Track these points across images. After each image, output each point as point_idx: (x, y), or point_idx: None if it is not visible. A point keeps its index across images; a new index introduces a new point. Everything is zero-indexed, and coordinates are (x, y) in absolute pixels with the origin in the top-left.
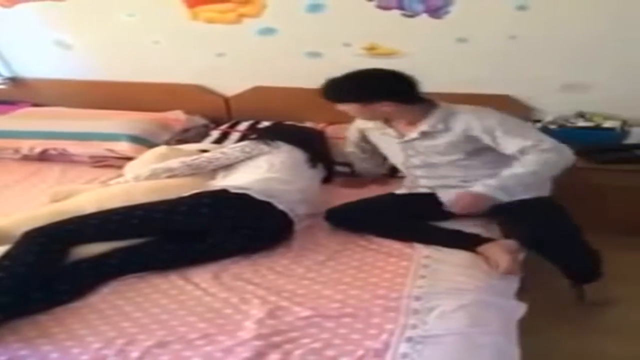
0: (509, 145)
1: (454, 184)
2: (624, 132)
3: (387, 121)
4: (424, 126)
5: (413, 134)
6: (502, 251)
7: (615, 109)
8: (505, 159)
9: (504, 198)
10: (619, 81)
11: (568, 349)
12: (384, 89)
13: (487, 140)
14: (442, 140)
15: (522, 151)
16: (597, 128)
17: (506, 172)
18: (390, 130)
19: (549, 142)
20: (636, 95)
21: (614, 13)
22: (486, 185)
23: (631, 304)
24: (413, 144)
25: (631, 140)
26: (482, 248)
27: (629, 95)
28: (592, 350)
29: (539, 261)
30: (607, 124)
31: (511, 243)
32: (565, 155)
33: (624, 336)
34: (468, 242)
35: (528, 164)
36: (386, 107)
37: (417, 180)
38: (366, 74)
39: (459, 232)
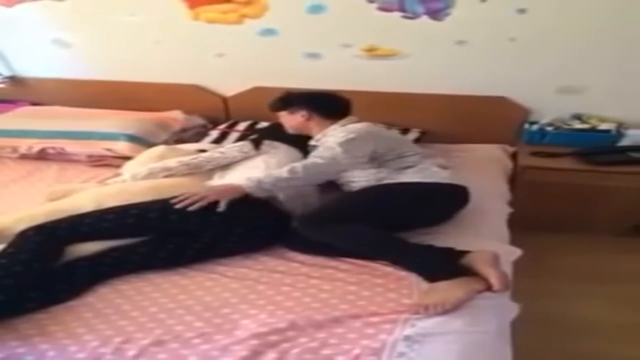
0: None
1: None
2: (619, 134)
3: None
4: (316, 137)
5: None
6: (486, 265)
7: (611, 111)
8: (387, 169)
9: (261, 194)
10: (615, 84)
11: (559, 349)
12: (301, 99)
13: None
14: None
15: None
16: (593, 130)
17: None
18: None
19: (326, 158)
20: (631, 98)
21: (611, 16)
22: (248, 180)
23: (626, 304)
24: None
25: (626, 142)
26: (465, 261)
27: (624, 98)
28: (584, 351)
29: None
30: (603, 126)
31: (491, 253)
32: (317, 171)
33: (620, 337)
34: (446, 264)
35: (291, 168)
36: (302, 117)
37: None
38: (299, 92)
39: (432, 248)
